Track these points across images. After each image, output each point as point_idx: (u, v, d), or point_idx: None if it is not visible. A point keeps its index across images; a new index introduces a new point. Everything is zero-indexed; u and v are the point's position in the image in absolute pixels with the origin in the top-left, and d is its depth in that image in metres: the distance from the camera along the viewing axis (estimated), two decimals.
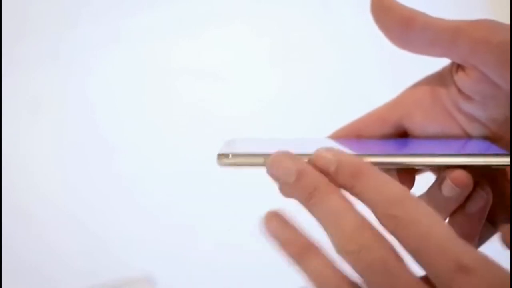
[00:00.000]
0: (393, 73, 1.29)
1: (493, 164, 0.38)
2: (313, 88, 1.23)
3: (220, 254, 1.17)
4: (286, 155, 0.37)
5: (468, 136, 0.43)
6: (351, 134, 0.44)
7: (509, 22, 0.39)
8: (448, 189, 0.39)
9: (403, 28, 0.40)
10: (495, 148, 0.40)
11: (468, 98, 0.41)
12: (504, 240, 0.39)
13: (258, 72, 1.27)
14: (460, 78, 0.41)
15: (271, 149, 0.39)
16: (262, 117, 1.19)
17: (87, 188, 1.21)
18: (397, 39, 0.41)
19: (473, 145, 0.41)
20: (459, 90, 0.42)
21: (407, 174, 0.40)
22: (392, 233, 0.35)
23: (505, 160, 0.38)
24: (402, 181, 0.40)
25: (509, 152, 0.39)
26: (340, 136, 0.45)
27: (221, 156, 0.40)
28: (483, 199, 0.40)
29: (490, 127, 0.42)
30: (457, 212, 0.41)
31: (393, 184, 0.35)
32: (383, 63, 1.27)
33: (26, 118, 1.23)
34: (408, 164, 0.39)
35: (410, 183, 0.41)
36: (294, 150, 0.38)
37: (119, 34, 1.27)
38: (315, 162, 0.37)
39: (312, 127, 1.03)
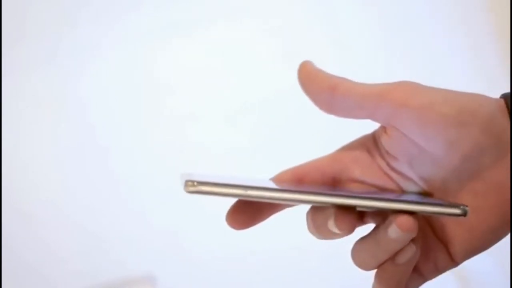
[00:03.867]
0: (394, 73, 1.30)
1: (441, 212, 0.40)
2: None
3: (220, 254, 1.17)
4: None
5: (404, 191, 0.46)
6: (294, 179, 0.46)
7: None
8: (394, 232, 0.41)
9: (328, 95, 0.43)
10: (430, 199, 0.43)
11: (395, 158, 0.44)
12: None
13: (257, 72, 1.27)
14: (384, 139, 0.44)
15: (235, 181, 0.41)
16: (262, 116, 1.19)
17: (87, 189, 1.21)
18: (323, 105, 0.44)
19: (410, 196, 0.44)
20: (387, 151, 0.44)
21: (347, 216, 0.41)
22: None
23: (454, 211, 0.40)
24: (340, 222, 0.41)
25: (446, 203, 0.41)
26: (283, 179, 0.46)
27: (189, 182, 0.42)
28: (412, 252, 0.42)
29: (420, 184, 0.44)
30: (387, 262, 0.43)
31: None
32: (381, 63, 1.28)
33: (26, 119, 1.23)
34: (357, 205, 0.41)
35: (349, 226, 0.42)
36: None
37: (118, 35, 1.27)
38: None
39: (316, 129, 1.03)
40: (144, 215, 1.20)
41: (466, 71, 1.28)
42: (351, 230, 0.41)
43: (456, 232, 0.44)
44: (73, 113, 1.25)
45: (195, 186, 0.43)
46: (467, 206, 0.41)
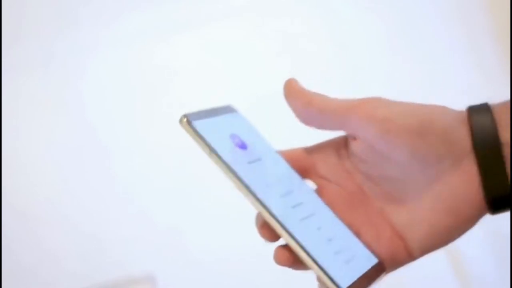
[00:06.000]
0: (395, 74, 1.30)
1: (325, 282, 0.46)
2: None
3: (220, 254, 1.17)
4: None
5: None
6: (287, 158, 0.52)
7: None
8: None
9: (305, 109, 0.50)
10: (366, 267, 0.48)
11: (362, 161, 0.50)
12: None
13: (255, 71, 1.27)
14: (354, 145, 0.50)
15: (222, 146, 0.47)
16: (261, 115, 1.18)
17: (86, 189, 1.21)
18: (301, 118, 0.50)
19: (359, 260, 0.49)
20: (355, 154, 0.50)
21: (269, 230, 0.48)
22: None
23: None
24: (263, 233, 0.48)
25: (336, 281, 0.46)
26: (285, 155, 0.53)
27: (184, 118, 0.48)
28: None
29: (381, 184, 0.50)
30: None
31: None
32: (380, 63, 1.28)
33: (24, 119, 1.23)
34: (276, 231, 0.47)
35: (271, 239, 0.48)
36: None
37: (116, 35, 1.27)
38: None
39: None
40: (144, 215, 1.20)
41: (466, 71, 1.28)
42: (271, 241, 0.48)
43: (415, 230, 0.49)
44: (72, 113, 1.24)
45: (183, 123, 0.48)
46: None
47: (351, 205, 0.50)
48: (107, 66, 1.25)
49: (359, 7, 1.30)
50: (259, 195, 0.47)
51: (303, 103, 0.50)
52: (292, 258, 0.47)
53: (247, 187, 0.47)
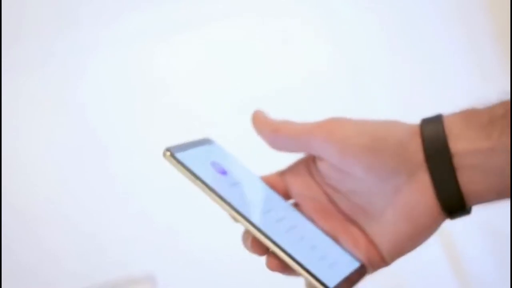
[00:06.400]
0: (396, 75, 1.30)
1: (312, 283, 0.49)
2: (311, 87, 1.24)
3: (220, 254, 1.17)
4: None
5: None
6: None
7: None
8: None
9: (272, 136, 0.54)
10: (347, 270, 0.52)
11: (328, 177, 0.54)
12: None
13: (255, 71, 1.27)
14: (319, 164, 0.54)
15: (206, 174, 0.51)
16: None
17: (86, 189, 1.21)
18: (270, 143, 0.55)
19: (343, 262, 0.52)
20: (321, 172, 0.54)
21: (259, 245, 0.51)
22: None
23: None
24: (253, 246, 0.51)
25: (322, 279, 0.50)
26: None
27: (167, 152, 0.52)
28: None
29: (349, 197, 0.53)
30: None
31: None
32: (381, 62, 1.28)
33: (24, 119, 1.23)
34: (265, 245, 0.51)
35: (260, 253, 0.52)
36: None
37: (116, 35, 1.27)
38: None
39: None
40: (144, 215, 1.20)
41: (466, 71, 1.28)
42: (261, 255, 0.52)
43: (383, 239, 0.52)
44: (72, 113, 1.25)
45: (166, 156, 0.52)
46: None
47: (328, 216, 0.54)
48: (107, 66, 1.25)
49: (359, 7, 1.30)
50: (245, 213, 0.51)
51: (271, 131, 0.54)
52: (281, 265, 0.51)
53: (233, 207, 0.51)
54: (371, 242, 0.52)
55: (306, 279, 0.50)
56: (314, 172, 0.55)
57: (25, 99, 1.23)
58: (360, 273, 0.52)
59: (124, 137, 1.23)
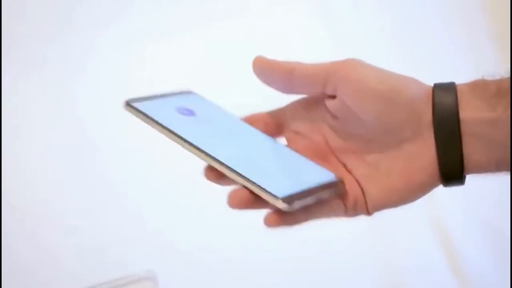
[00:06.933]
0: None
1: (266, 198, 0.47)
2: None
3: (221, 254, 1.17)
4: None
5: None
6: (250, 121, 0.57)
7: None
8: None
9: (287, 78, 0.53)
10: (325, 177, 0.51)
11: (333, 116, 0.54)
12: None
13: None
14: (330, 103, 0.53)
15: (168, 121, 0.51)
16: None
17: (86, 189, 1.21)
18: (284, 86, 0.54)
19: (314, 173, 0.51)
20: (328, 110, 0.54)
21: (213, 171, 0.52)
22: None
23: (276, 202, 0.47)
24: (207, 173, 0.52)
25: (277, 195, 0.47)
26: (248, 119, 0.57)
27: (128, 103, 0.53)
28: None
29: (347, 140, 0.54)
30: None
31: None
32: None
33: (23, 120, 1.23)
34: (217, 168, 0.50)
35: (216, 180, 0.52)
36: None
37: (114, 36, 1.27)
38: None
39: None
40: (144, 215, 1.20)
41: (466, 71, 1.28)
42: (216, 181, 0.52)
43: (371, 186, 0.52)
44: (71, 113, 1.25)
45: (126, 106, 0.54)
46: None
47: (317, 155, 0.54)
48: (107, 67, 1.25)
49: (359, 7, 1.30)
50: (196, 143, 0.50)
51: (286, 72, 0.54)
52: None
53: (183, 139, 0.51)
54: (358, 185, 0.53)
55: (246, 187, 0.49)
56: (313, 113, 0.55)
57: (25, 99, 1.23)
58: (332, 188, 0.51)
59: (124, 137, 1.23)
